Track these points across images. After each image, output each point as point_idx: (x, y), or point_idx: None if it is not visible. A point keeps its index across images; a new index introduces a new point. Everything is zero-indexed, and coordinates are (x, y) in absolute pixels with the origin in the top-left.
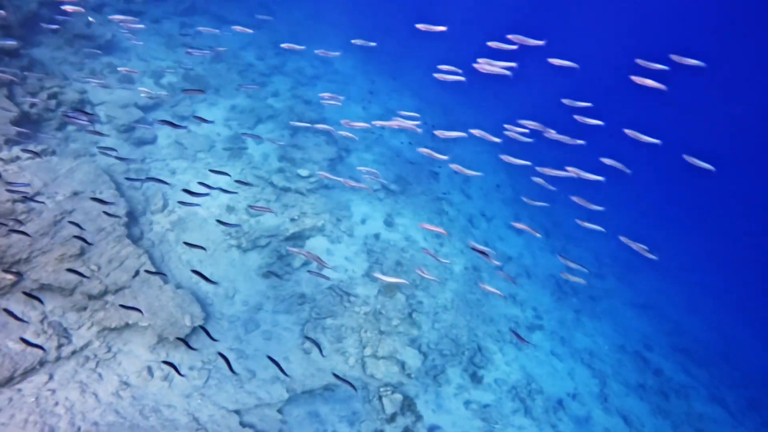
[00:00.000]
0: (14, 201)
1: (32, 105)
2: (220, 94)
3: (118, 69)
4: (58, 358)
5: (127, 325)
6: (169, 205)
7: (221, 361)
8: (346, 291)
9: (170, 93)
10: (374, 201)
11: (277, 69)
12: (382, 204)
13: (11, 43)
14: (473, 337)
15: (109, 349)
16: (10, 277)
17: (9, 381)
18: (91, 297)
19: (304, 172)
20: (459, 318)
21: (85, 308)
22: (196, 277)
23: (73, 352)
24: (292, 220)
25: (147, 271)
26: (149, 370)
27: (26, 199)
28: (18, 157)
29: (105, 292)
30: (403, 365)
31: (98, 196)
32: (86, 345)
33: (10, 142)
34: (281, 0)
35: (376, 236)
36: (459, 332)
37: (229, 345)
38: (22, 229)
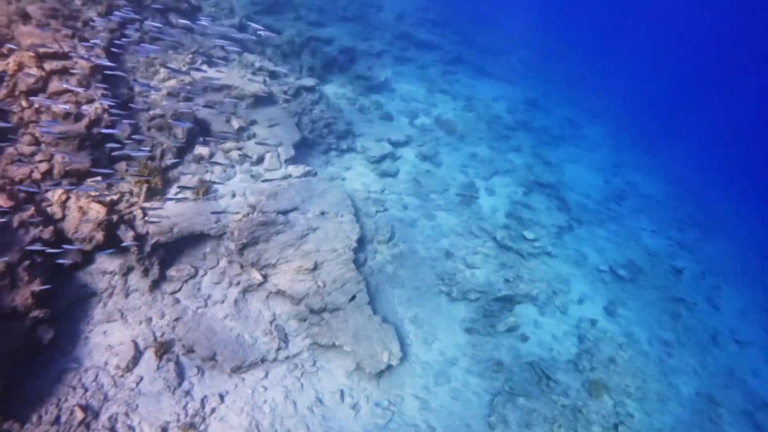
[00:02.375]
0: (277, 213)
1: (311, 131)
2: (464, 141)
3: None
4: (275, 360)
5: (333, 346)
6: (395, 238)
7: (405, 405)
8: (547, 373)
9: (420, 132)
10: (597, 282)
11: (523, 125)
12: (607, 288)
13: (311, 80)
14: None
15: (314, 363)
16: (259, 277)
17: (238, 369)
18: (312, 311)
19: (529, 235)
20: None
21: (305, 320)
22: (401, 313)
23: (287, 357)
24: (507, 281)
25: None
26: (341, 394)
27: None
28: (290, 175)
29: (324, 309)
30: None
31: (338, 219)
32: (298, 353)
33: (288, 161)
34: (543, 59)
35: (593, 322)
36: None
37: (416, 392)
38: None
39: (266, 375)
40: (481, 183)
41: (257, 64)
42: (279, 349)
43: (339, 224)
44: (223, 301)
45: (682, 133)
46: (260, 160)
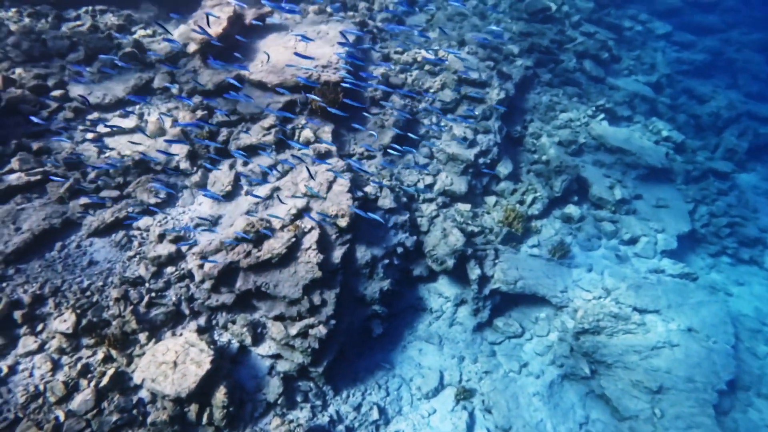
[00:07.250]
0: (633, 309)
1: (705, 225)
2: None
3: None
4: None
5: None
6: None
7: None
8: None
9: None
10: None
11: None
12: None
13: (726, 165)
14: None
15: None
16: (587, 371)
17: None
18: None
19: None
20: None
21: None
22: None
23: None
24: None
25: None
26: None
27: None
28: (663, 270)
29: None
30: None
31: (709, 343)
32: None
33: (664, 253)
34: None
35: None
36: None
37: None
38: None
39: None
40: None
41: (664, 133)
42: None
43: (708, 351)
44: (538, 377)
45: None
46: (633, 241)
